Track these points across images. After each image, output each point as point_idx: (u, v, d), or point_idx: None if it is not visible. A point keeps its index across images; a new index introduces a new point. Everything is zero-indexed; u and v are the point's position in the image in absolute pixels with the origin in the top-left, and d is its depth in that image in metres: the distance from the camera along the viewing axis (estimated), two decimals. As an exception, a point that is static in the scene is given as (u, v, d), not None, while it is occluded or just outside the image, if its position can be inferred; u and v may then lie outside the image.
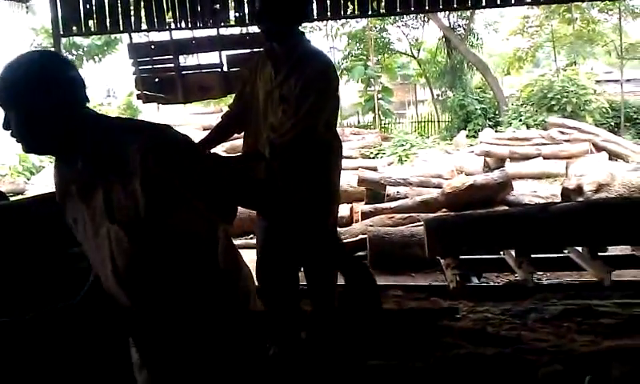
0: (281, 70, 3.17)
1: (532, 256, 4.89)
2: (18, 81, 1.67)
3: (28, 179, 15.36)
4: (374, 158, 14.60)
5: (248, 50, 6.31)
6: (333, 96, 3.23)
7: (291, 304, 3.42)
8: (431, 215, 6.27)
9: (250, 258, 6.41)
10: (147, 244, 1.75)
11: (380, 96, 21.89)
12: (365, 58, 22.87)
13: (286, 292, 3.39)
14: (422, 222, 5.53)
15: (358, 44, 23.84)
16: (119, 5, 6.65)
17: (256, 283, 2.55)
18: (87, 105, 1.76)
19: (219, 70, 6.44)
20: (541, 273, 5.18)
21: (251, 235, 7.40)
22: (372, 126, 21.05)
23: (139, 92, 6.78)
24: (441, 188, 7.92)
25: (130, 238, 1.74)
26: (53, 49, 8.45)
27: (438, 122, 22.54)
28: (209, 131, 3.50)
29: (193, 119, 15.62)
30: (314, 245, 3.24)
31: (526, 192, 8.36)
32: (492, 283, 5.22)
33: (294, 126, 3.08)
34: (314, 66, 3.14)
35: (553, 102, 17.28)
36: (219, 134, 3.48)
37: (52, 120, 1.68)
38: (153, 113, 17.21)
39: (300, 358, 3.35)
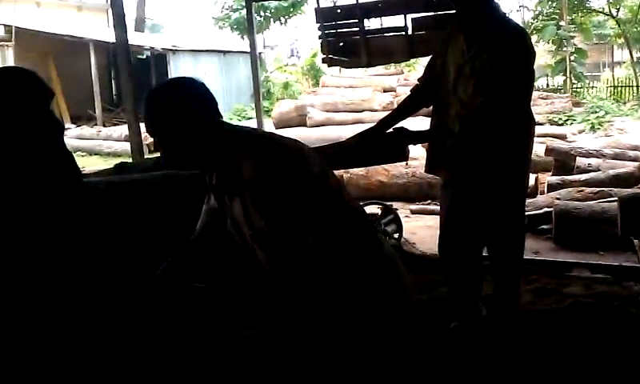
0: (473, 42, 3.03)
1: None
2: (158, 109, 1.88)
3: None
4: (562, 124, 13.77)
5: (433, 13, 6.16)
6: (528, 70, 3.06)
7: (473, 279, 3.34)
8: (626, 191, 5.82)
9: (425, 223, 6.42)
10: (280, 253, 1.88)
11: (572, 58, 20.55)
12: (557, 17, 21.51)
13: (469, 266, 3.30)
14: (615, 198, 5.15)
15: (549, 2, 22.49)
16: (308, -31, 6.76)
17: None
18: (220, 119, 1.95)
19: (404, 33, 6.37)
20: None
21: (429, 201, 7.38)
22: (562, 90, 19.83)
23: (324, 55, 6.91)
24: (638, 161, 7.32)
25: (264, 249, 1.90)
26: (245, 11, 8.83)
27: (637, 87, 20.77)
28: (396, 104, 3.48)
29: (373, 80, 15.65)
30: (503, 218, 3.16)
31: None
32: (692, 268, 4.75)
33: (486, 102, 2.95)
34: (508, 39, 2.97)
35: None
36: (407, 107, 3.41)
37: (190, 140, 1.87)
38: (335, 74, 17.49)
39: (480, 335, 3.27)
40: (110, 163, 11.04)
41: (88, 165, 11.50)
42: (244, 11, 17.97)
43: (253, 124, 10.73)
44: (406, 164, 3.96)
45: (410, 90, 3.49)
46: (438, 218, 3.49)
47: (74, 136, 15.18)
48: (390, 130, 3.15)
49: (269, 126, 11.20)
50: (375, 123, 3.31)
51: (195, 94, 1.91)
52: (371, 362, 1.92)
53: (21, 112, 1.57)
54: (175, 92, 1.92)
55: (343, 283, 1.86)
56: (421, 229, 6.13)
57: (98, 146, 15.05)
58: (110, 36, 15.49)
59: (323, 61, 7.06)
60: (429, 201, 7.39)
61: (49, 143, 1.63)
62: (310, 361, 2.01)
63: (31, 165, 1.59)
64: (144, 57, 20.95)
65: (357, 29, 6.56)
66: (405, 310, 1.95)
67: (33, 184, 1.59)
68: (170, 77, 18.74)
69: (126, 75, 6.22)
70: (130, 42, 6.41)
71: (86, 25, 21.94)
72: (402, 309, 1.94)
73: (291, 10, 23.57)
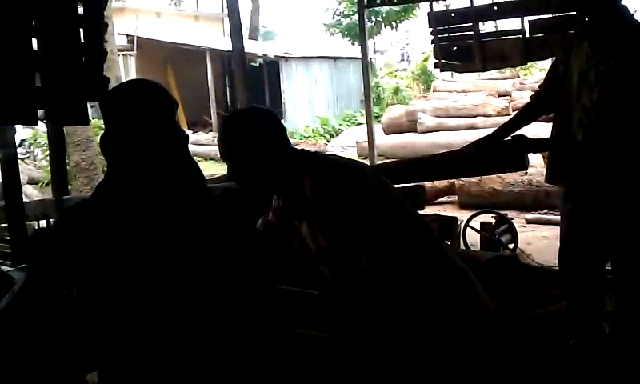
0: (599, 47, 2.88)
1: None
2: (230, 137, 2.02)
3: (328, 141, 16.54)
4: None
5: (552, 15, 5.94)
6: None
7: (596, 294, 3.17)
8: None
9: (541, 233, 6.17)
10: (339, 270, 1.97)
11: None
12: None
13: (592, 280, 3.14)
14: None
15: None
16: (421, -26, 6.71)
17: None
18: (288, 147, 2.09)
19: (520, 36, 6.18)
20: None
21: (545, 210, 7.12)
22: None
23: (436, 60, 6.83)
24: None
25: (328, 267, 1.98)
26: (356, 16, 8.87)
27: None
28: (511, 109, 3.39)
29: (487, 84, 15.29)
30: (629, 231, 2.99)
31: None
32: None
33: (611, 111, 2.81)
34: (636, 45, 2.80)
35: None
36: (527, 114, 3.31)
37: (259, 164, 2.01)
38: (447, 78, 17.22)
39: (600, 354, 3.11)
40: (224, 168, 11.38)
41: (204, 169, 11.90)
42: (355, 17, 18.07)
43: (363, 130, 10.73)
44: (526, 172, 3.84)
45: (530, 97, 3.38)
46: (554, 228, 3.36)
47: (190, 142, 15.66)
48: (509, 137, 3.06)
49: (378, 132, 11.16)
50: (493, 130, 3.22)
51: (265, 121, 2.06)
52: (444, 377, 1.94)
53: (154, 122, 1.64)
54: (246, 122, 2.05)
55: (410, 300, 1.93)
56: (537, 239, 5.93)
57: (213, 151, 15.54)
58: (225, 44, 15.99)
59: (435, 66, 6.99)
60: (545, 210, 7.14)
61: (177, 152, 1.71)
62: (382, 373, 2.04)
63: (163, 174, 1.66)
64: (257, 64, 21.46)
65: (471, 32, 6.44)
66: (479, 326, 1.98)
67: (165, 192, 1.67)
68: (281, 83, 19.22)
69: (241, 82, 6.41)
70: (244, 50, 6.58)
71: (203, 34, 22.79)
72: (475, 325, 1.97)
73: (403, 14, 23.45)
